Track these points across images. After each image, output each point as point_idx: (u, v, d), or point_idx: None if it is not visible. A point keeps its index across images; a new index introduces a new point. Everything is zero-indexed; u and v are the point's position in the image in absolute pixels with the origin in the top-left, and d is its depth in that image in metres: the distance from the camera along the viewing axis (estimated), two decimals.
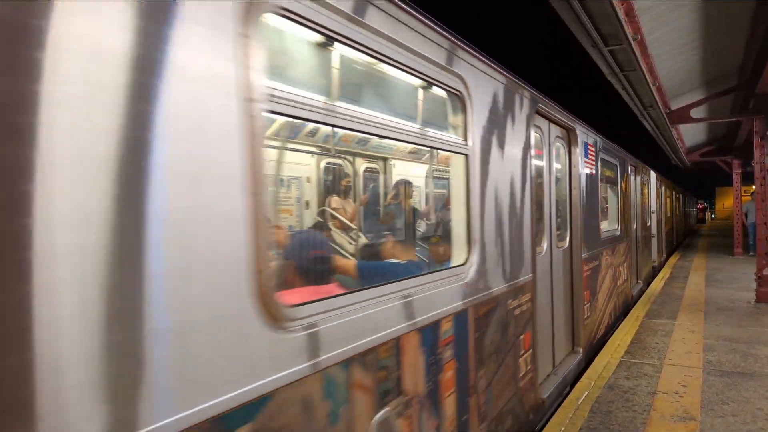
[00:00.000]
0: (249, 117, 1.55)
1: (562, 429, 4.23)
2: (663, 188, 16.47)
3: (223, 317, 1.46)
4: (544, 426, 4.35)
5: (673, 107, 11.42)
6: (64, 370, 1.10)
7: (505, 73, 3.67)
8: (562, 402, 4.84)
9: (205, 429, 1.38)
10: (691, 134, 17.50)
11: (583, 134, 5.97)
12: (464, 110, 3.08)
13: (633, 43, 6.30)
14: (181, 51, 1.37)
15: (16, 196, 1.04)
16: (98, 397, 1.17)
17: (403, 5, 2.42)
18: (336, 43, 2.09)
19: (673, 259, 16.94)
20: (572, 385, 5.30)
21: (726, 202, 39.79)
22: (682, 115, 11.30)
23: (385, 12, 2.29)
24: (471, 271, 3.08)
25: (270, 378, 1.60)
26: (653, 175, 13.55)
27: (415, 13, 2.52)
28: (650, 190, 13.09)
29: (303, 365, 1.74)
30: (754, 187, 10.95)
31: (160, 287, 1.29)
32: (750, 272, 12.28)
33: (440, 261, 3.52)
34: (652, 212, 13.36)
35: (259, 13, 1.61)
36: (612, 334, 7.37)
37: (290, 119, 1.96)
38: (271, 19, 1.75)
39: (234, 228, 1.51)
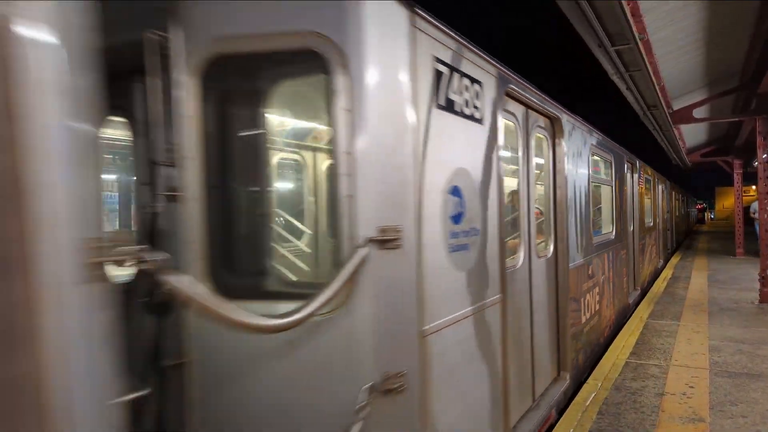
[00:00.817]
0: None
1: (571, 431, 4.21)
2: (673, 193, 20.90)
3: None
4: (630, 315, 8.57)
5: (675, 107, 11.41)
6: None
7: (621, 149, 8.12)
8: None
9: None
10: (691, 134, 17.51)
11: (640, 165, 10.30)
12: (612, 168, 7.45)
13: (640, 42, 6.28)
14: None
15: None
16: None
17: (612, 143, 7.49)
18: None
19: (674, 260, 16.94)
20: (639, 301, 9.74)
21: (726, 203, 39.80)
22: (685, 115, 11.30)
23: (606, 145, 7.03)
24: (613, 235, 7.32)
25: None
26: (668, 183, 17.62)
27: (607, 139, 7.17)
28: (666, 195, 16.89)
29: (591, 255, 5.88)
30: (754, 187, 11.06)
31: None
32: (752, 273, 12.27)
33: (603, 230, 7.42)
34: (667, 212, 17.34)
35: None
36: (650, 287, 11.42)
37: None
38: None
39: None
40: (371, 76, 2.10)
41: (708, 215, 59.17)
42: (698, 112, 11.57)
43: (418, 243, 2.34)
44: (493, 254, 3.13)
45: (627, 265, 8.55)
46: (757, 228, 15.39)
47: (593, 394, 4.96)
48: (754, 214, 16.19)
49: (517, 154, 3.99)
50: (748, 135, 14.17)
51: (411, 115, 2.32)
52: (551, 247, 4.73)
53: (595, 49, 6.55)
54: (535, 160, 4.39)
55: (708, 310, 8.68)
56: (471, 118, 2.89)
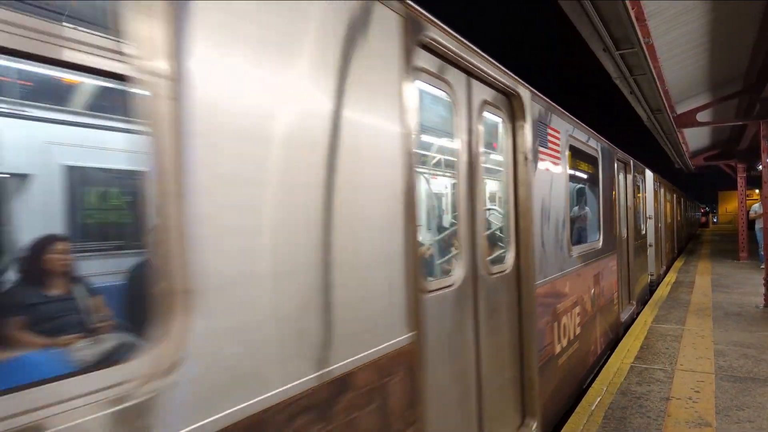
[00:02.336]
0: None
1: None
2: (684, 201, 28.03)
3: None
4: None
5: (679, 111, 11.42)
6: None
7: (664, 180, 16.53)
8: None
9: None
10: (694, 138, 17.50)
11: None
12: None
13: (644, 46, 6.29)
14: None
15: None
16: None
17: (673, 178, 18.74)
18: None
19: (678, 264, 16.90)
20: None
21: (728, 206, 39.72)
22: (688, 119, 11.30)
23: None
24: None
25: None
26: (682, 194, 25.51)
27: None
28: (681, 203, 25.10)
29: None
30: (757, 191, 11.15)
31: None
32: (756, 277, 12.24)
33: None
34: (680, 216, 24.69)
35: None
36: (672, 264, 17.03)
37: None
38: None
39: None
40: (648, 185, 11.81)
41: (711, 218, 59.09)
42: (702, 116, 11.57)
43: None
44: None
45: (670, 240, 17.10)
46: (758, 234, 15.38)
47: (599, 398, 4.95)
48: (754, 215, 16.11)
49: None
50: (751, 139, 14.16)
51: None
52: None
53: (599, 53, 6.56)
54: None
55: (712, 314, 8.65)
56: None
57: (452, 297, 2.84)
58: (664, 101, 9.26)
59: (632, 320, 8.38)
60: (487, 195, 3.98)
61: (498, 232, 4.18)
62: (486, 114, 3.42)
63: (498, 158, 3.90)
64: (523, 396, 3.78)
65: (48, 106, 3.49)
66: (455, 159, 3.05)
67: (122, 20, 1.24)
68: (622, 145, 8.29)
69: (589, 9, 5.14)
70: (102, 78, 1.22)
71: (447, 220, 5.68)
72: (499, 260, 3.68)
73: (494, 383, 3.34)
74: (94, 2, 1.42)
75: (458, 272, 2.96)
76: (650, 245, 11.47)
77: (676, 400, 4.87)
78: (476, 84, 3.24)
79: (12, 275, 3.16)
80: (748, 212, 16.58)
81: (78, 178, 3.91)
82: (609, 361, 6.21)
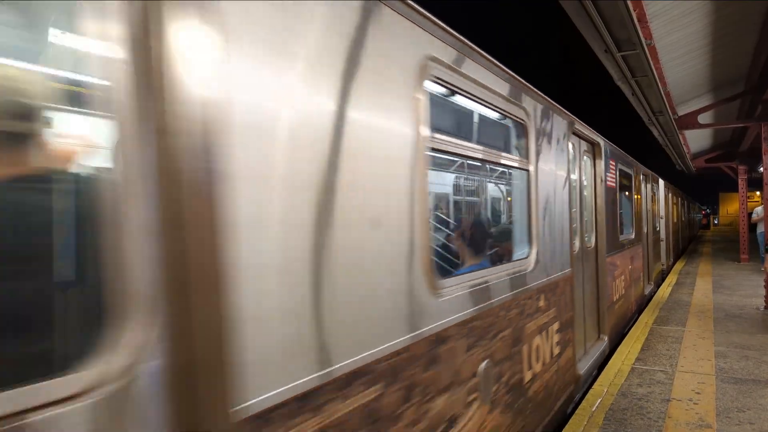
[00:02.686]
0: None
1: None
2: (687, 203, 31.61)
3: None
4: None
5: (680, 113, 11.42)
6: None
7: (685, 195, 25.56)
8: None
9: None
10: (695, 140, 17.49)
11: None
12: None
13: (646, 48, 6.29)
14: None
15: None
16: None
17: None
18: None
19: (679, 265, 16.89)
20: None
21: (729, 208, 39.73)
22: (690, 121, 11.30)
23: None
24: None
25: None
26: (686, 197, 28.68)
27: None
28: (685, 205, 28.76)
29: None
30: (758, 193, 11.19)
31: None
32: (757, 279, 12.23)
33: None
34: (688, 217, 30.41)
35: None
36: (678, 257, 19.30)
37: None
38: None
39: None
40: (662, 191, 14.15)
41: (712, 220, 59.01)
42: (703, 118, 11.57)
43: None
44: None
45: (687, 230, 25.95)
46: (760, 238, 15.32)
47: (599, 400, 4.95)
48: (756, 217, 16.05)
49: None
50: (752, 141, 14.16)
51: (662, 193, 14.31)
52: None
53: (601, 55, 6.56)
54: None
55: (713, 316, 8.65)
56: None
57: (576, 256, 5.27)
58: (666, 103, 9.26)
59: (651, 296, 10.86)
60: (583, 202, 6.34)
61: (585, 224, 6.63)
62: (585, 157, 6.02)
63: (585, 180, 6.25)
64: (598, 322, 6.26)
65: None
66: (575, 183, 5.54)
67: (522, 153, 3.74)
68: (624, 145, 8.30)
69: (590, 10, 5.14)
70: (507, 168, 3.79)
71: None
72: (589, 240, 6.15)
73: (588, 310, 5.80)
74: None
75: (576, 245, 5.34)
76: (662, 240, 14.02)
77: (677, 402, 4.87)
78: (582, 142, 5.82)
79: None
80: (749, 214, 16.54)
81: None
82: (610, 362, 6.21)
